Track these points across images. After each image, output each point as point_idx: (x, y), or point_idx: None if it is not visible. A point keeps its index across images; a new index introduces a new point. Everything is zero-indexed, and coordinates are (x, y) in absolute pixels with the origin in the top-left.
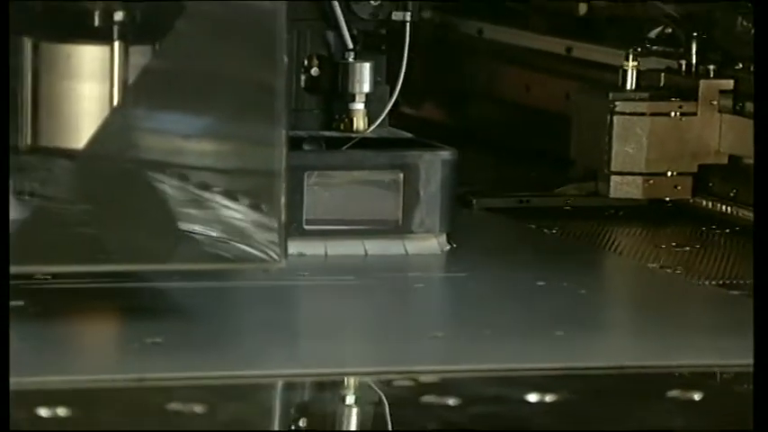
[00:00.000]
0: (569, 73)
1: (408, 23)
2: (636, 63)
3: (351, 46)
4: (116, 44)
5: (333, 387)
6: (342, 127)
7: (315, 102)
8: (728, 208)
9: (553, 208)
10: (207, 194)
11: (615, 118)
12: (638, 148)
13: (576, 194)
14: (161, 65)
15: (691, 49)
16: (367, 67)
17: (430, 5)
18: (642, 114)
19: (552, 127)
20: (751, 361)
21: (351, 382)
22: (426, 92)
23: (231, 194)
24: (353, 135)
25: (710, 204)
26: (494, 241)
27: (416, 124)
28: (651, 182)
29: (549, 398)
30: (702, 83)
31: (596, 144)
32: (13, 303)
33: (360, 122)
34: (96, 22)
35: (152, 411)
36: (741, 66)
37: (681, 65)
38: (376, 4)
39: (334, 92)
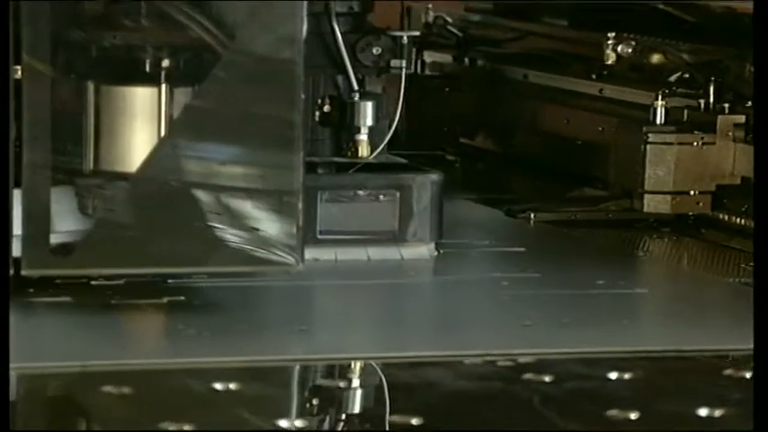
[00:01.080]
0: (601, 110)
1: (404, 70)
2: (664, 102)
3: (356, 88)
4: (163, 86)
5: (461, 366)
6: (349, 154)
7: (326, 133)
8: (741, 220)
9: (597, 220)
10: (237, 209)
11: (648, 147)
12: (667, 172)
13: (615, 209)
14: (200, 103)
15: (708, 91)
16: (369, 105)
17: (481, 55)
18: (670, 144)
19: (587, 154)
20: None
21: (471, 361)
22: (480, 125)
23: (257, 209)
24: (358, 161)
25: (726, 217)
26: (554, 247)
27: (471, 151)
28: (678, 199)
29: (626, 375)
30: (720, 118)
31: (632, 168)
32: (67, 299)
33: (363, 150)
34: (147, 68)
35: (198, 390)
36: (750, 104)
37: (700, 103)
38: (377, 53)
39: (343, 125)
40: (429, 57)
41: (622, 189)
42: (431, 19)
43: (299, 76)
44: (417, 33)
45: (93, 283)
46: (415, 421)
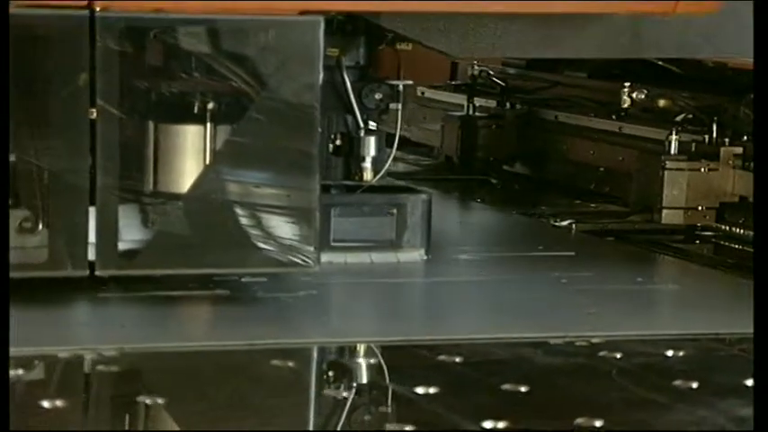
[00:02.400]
0: (620, 143)
1: (399, 111)
2: (677, 137)
3: (362, 125)
4: (208, 125)
5: (548, 345)
6: (356, 178)
7: (338, 162)
8: (738, 230)
9: (625, 230)
10: (267, 222)
11: (666, 172)
12: (680, 192)
13: (638, 221)
14: (237, 138)
15: (712, 128)
16: (372, 139)
17: (519, 100)
18: (683, 170)
19: (609, 178)
20: None
21: (555, 341)
22: (519, 156)
23: (282, 222)
24: (363, 183)
25: (726, 228)
26: (596, 252)
27: (511, 177)
28: (689, 213)
29: (680, 353)
30: (722, 149)
31: (651, 189)
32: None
33: (368, 175)
34: (195, 110)
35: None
36: (746, 138)
37: (704, 138)
38: (378, 98)
39: (351, 155)
40: (478, 101)
41: (643, 205)
42: (476, 72)
43: (316, 116)
44: (410, 83)
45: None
46: (523, 388)
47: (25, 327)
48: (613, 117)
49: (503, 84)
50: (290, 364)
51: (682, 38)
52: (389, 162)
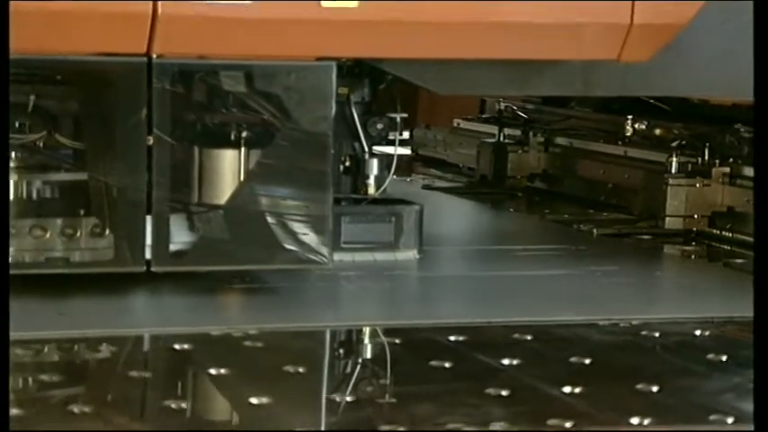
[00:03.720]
0: (626, 164)
1: (397, 140)
2: (677, 159)
3: (366, 150)
4: (242, 149)
5: (598, 327)
6: (361, 192)
7: (347, 179)
8: (726, 233)
9: (635, 233)
10: (289, 227)
11: (668, 187)
12: (680, 203)
13: (645, 227)
14: (266, 160)
15: (704, 152)
16: (375, 161)
17: (539, 130)
18: (682, 186)
19: (617, 192)
20: None
21: (603, 323)
22: (540, 175)
23: (302, 227)
24: (368, 197)
25: (717, 231)
26: (616, 251)
27: (533, 191)
28: (687, 220)
29: (707, 333)
30: (713, 169)
31: (656, 200)
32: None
33: (371, 190)
34: (232, 137)
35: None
36: (732, 159)
37: (698, 160)
38: (380, 128)
39: (358, 174)
40: (507, 131)
41: (649, 214)
42: (502, 107)
43: (329, 142)
44: (406, 115)
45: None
46: (587, 360)
47: (96, 313)
48: (619, 143)
49: (525, 116)
50: (397, 341)
51: (623, 79)
52: (388, 181)
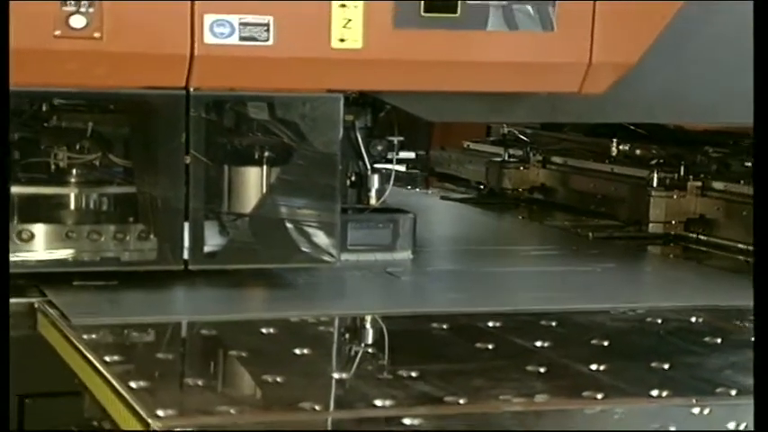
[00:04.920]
0: (612, 179)
1: (395, 159)
2: (657, 175)
3: (369, 167)
4: (264, 167)
5: (608, 314)
6: (364, 202)
7: (353, 192)
8: (699, 236)
9: (623, 236)
10: (305, 231)
11: (651, 198)
12: (661, 211)
13: (632, 231)
14: (284, 176)
15: (680, 169)
16: (376, 176)
17: (537, 150)
18: (662, 197)
19: (605, 202)
20: None
21: (614, 312)
22: (538, 188)
23: (315, 232)
24: (369, 206)
25: (691, 235)
26: (611, 251)
27: (533, 202)
28: (666, 225)
29: (701, 319)
30: (688, 183)
31: (640, 209)
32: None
33: (373, 200)
34: (256, 156)
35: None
36: (703, 175)
37: (675, 176)
38: (380, 149)
39: (361, 187)
40: (511, 151)
41: (634, 220)
42: (506, 131)
43: (337, 161)
44: (402, 138)
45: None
46: (605, 343)
47: (142, 304)
48: (606, 161)
49: (526, 139)
50: (445, 326)
51: (584, 108)
52: (387, 194)
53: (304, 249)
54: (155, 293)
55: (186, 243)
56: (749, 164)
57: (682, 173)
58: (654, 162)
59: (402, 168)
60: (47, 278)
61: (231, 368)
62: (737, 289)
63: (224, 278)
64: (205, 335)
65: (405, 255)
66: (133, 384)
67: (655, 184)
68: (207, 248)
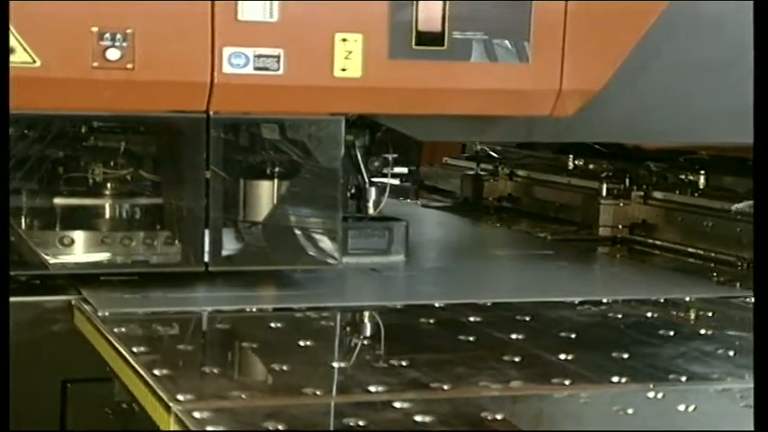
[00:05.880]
0: (569, 189)
1: (390, 174)
2: (606, 185)
3: (367, 180)
4: (276, 180)
5: (571, 305)
6: (363, 212)
7: (353, 203)
8: (642, 239)
9: (577, 238)
10: (311, 237)
11: (601, 206)
12: (609, 217)
13: (585, 234)
14: (293, 188)
15: (625, 181)
16: (373, 189)
17: (506, 165)
18: (610, 205)
19: (562, 209)
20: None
21: (578, 305)
22: (506, 197)
23: (320, 237)
24: (368, 216)
25: (635, 237)
26: (568, 252)
27: (501, 209)
28: (613, 230)
29: (656, 314)
30: (632, 193)
31: (591, 215)
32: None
33: (371, 210)
34: (268, 171)
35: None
36: (645, 186)
37: (621, 187)
38: (376, 165)
39: (360, 199)
40: (482, 166)
41: (587, 224)
42: (478, 149)
43: (339, 175)
44: (396, 155)
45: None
46: (572, 335)
47: (168, 300)
48: (564, 174)
49: (495, 155)
50: (432, 321)
51: (555, 129)
52: (383, 204)
53: (310, 253)
54: (177, 291)
55: (207, 247)
56: (683, 176)
57: (627, 184)
58: (604, 175)
59: (396, 182)
60: (82, 279)
61: (245, 358)
62: (673, 284)
63: (240, 278)
64: (221, 328)
65: (399, 258)
66: (157, 372)
67: (604, 194)
68: (225, 252)
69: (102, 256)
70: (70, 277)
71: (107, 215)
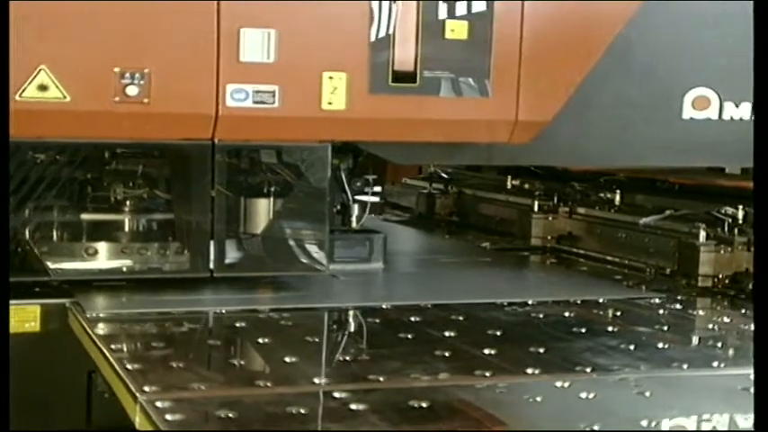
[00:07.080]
0: (508, 205)
1: (371, 193)
2: (538, 202)
3: (351, 199)
4: (271, 198)
5: (502, 307)
6: (347, 225)
7: (338, 218)
8: (567, 248)
9: (513, 248)
10: (302, 246)
11: (533, 220)
12: (540, 229)
13: (519, 244)
14: (287, 205)
15: (554, 198)
16: (356, 206)
17: (455, 184)
18: (542, 219)
19: (502, 223)
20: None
21: (507, 306)
22: (455, 212)
23: (310, 247)
24: (351, 228)
25: (563, 247)
26: (504, 260)
27: (450, 222)
28: (543, 240)
29: (572, 314)
30: (560, 209)
31: (525, 228)
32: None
33: (354, 224)
34: (265, 191)
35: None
36: (570, 203)
37: (552, 203)
38: (359, 185)
39: (345, 214)
40: (436, 186)
41: (522, 236)
42: (432, 170)
43: (326, 194)
44: (376, 177)
45: (244, 278)
46: (498, 332)
47: (179, 302)
48: (504, 192)
49: (446, 176)
50: (378, 320)
51: (512, 153)
52: (364, 219)
53: (302, 260)
54: (187, 294)
55: (212, 256)
56: (602, 195)
57: (555, 201)
58: (536, 193)
59: (377, 199)
60: (76, 284)
61: (209, 354)
62: (590, 287)
63: (242, 283)
64: (193, 327)
65: (378, 265)
66: (129, 366)
67: (536, 210)
68: (228, 260)
69: (123, 264)
70: (75, 283)
71: (126, 228)
